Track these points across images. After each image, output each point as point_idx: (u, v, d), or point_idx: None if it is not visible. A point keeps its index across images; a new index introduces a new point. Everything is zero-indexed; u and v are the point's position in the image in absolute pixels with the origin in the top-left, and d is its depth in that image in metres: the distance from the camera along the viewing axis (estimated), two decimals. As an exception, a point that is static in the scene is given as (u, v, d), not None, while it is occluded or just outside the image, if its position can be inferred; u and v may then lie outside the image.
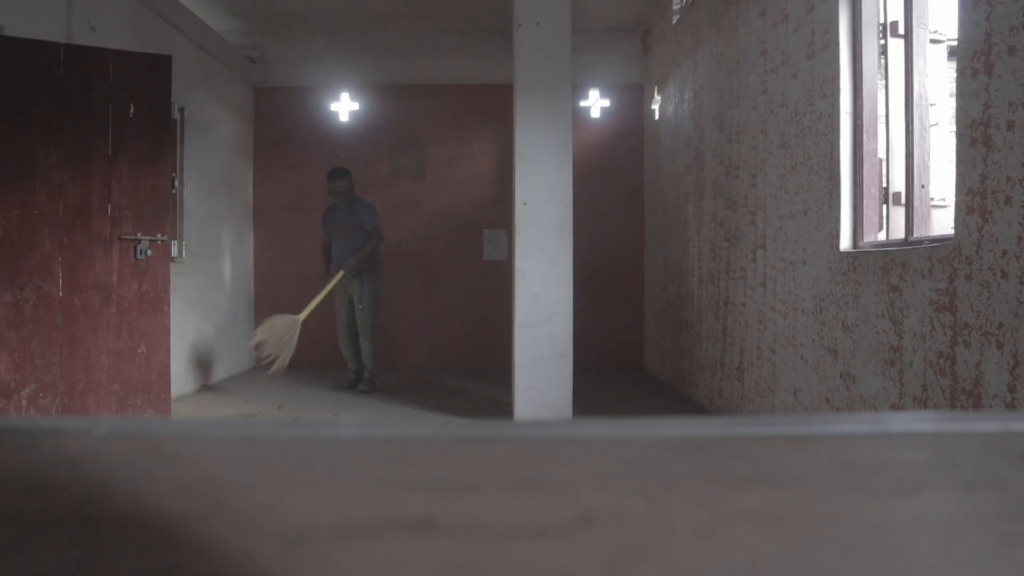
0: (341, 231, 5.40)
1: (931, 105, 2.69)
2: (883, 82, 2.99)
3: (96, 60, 3.88)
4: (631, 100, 7.03)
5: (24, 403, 3.64)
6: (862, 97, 3.00)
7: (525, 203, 4.36)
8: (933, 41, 2.76)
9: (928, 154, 2.67)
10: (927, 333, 2.39)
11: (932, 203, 2.72)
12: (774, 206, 3.71)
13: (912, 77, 2.67)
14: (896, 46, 2.86)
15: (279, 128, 7.03)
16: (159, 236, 4.08)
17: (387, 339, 7.03)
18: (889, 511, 0.33)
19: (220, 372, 6.16)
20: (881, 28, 2.98)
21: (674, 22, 5.87)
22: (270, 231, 7.06)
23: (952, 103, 2.52)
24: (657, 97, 6.38)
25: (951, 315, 2.26)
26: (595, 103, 6.95)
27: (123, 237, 3.97)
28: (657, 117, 6.42)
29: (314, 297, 5.29)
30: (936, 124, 2.73)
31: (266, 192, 7.05)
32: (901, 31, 2.78)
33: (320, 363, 6.94)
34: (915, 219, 2.67)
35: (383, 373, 6.65)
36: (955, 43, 2.31)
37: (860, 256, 2.87)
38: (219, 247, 6.17)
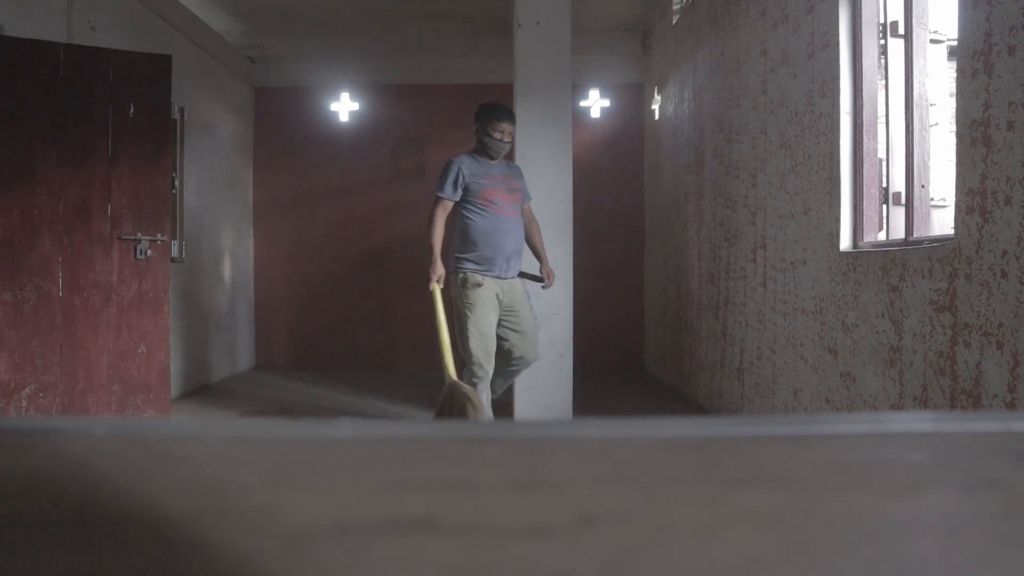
0: (506, 196, 3.63)
1: (931, 105, 2.69)
2: (883, 82, 2.99)
3: (96, 60, 3.88)
4: (631, 100, 7.03)
5: (24, 403, 3.64)
6: (862, 97, 3.00)
7: (525, 203, 4.35)
8: (933, 41, 2.76)
9: (928, 154, 2.67)
10: (927, 333, 2.39)
11: (932, 203, 2.72)
12: (774, 206, 3.71)
13: (912, 77, 2.67)
14: (896, 46, 2.86)
15: (279, 128, 7.03)
16: (159, 236, 4.08)
17: (386, 339, 7.03)
18: (889, 511, 0.32)
19: (220, 372, 6.16)
20: (881, 28, 2.98)
21: (674, 22, 5.87)
22: (270, 231, 7.07)
23: (952, 103, 2.52)
24: (657, 97, 6.38)
25: (951, 315, 2.26)
26: (595, 103, 6.95)
27: (123, 237, 3.97)
28: (657, 117, 6.42)
29: (439, 334, 3.52)
30: (936, 124, 2.72)
31: (266, 192, 7.05)
32: (901, 31, 2.78)
33: (323, 364, 6.95)
34: (915, 219, 2.67)
35: (388, 375, 6.65)
36: (955, 43, 2.31)
37: (860, 256, 2.87)
38: (219, 247, 6.16)
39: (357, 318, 7.00)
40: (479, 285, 3.54)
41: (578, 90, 6.72)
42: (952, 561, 0.31)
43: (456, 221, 3.64)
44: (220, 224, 6.16)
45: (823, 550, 0.31)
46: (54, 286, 3.75)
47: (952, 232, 2.33)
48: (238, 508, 0.32)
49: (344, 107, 6.95)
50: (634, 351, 6.99)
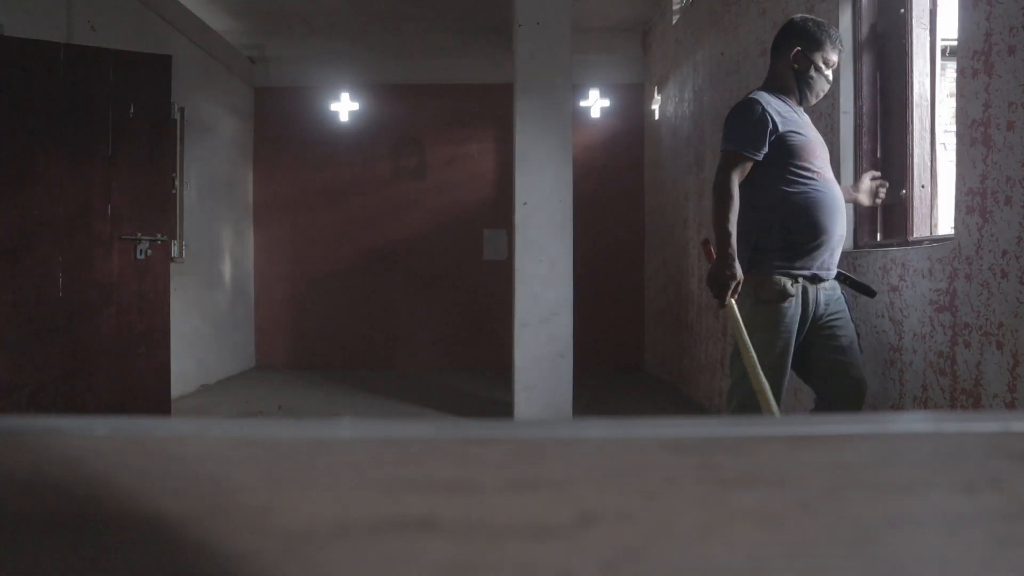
0: (823, 157, 2.43)
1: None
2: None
3: (96, 60, 3.88)
4: (631, 100, 7.03)
5: (24, 403, 3.64)
6: (862, 97, 3.00)
7: (525, 203, 4.35)
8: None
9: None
10: (927, 333, 2.39)
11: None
12: (774, 206, 3.70)
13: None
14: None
15: (279, 128, 7.04)
16: (159, 236, 4.08)
17: (386, 339, 7.04)
18: (889, 511, 0.32)
19: (220, 372, 6.16)
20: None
21: (674, 22, 5.87)
22: (270, 231, 7.07)
23: (952, 103, 2.52)
24: (657, 97, 6.38)
25: (951, 315, 2.26)
26: (595, 103, 6.95)
27: (123, 237, 3.97)
28: (657, 117, 6.42)
29: (749, 366, 2.28)
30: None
31: (266, 192, 7.05)
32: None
33: (323, 364, 6.95)
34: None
35: (388, 375, 6.65)
36: (954, 43, 2.31)
37: (860, 256, 2.87)
38: (219, 247, 6.17)
39: (357, 318, 7.00)
40: (788, 297, 2.34)
41: (578, 90, 6.72)
42: (952, 561, 0.31)
43: (753, 196, 2.39)
44: (220, 224, 6.16)
45: (823, 550, 0.31)
46: (54, 286, 3.75)
47: (952, 232, 2.33)
48: (238, 508, 0.32)
49: (344, 107, 6.95)
50: (634, 351, 6.99)
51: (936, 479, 0.34)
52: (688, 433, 0.34)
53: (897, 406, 2.56)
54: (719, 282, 2.32)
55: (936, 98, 2.67)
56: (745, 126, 2.35)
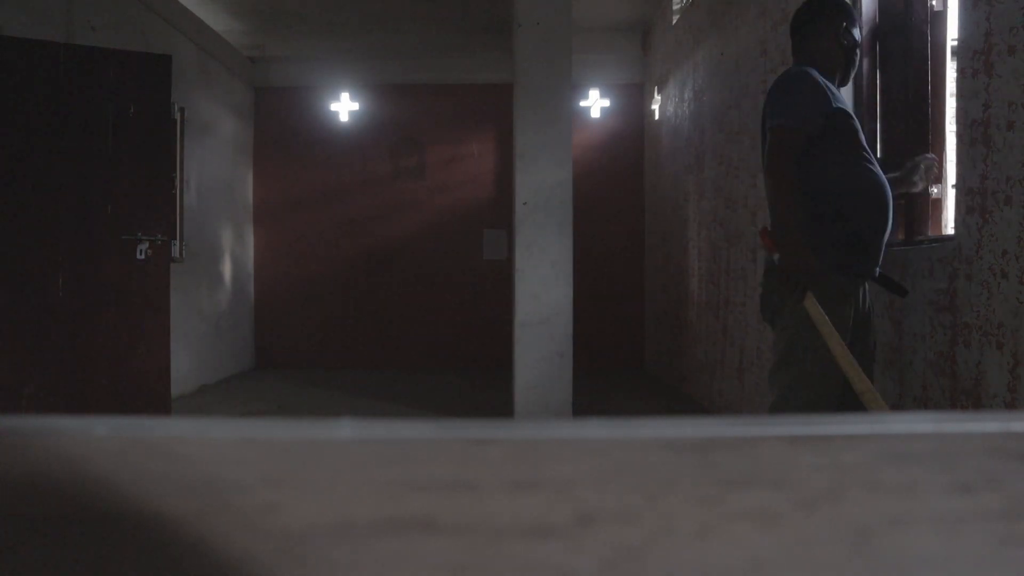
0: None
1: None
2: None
3: (96, 60, 3.88)
4: (631, 100, 7.03)
5: (24, 403, 3.64)
6: (863, 96, 3.00)
7: (525, 203, 4.35)
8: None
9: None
10: (927, 333, 2.39)
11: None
12: (774, 206, 3.70)
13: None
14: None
15: (279, 128, 7.03)
16: (159, 236, 4.08)
17: (386, 339, 7.03)
18: (889, 511, 0.32)
19: (220, 372, 6.16)
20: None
21: (674, 22, 5.87)
22: (270, 231, 7.07)
23: (952, 103, 2.52)
24: (657, 97, 6.38)
25: (951, 315, 2.26)
26: (595, 103, 6.95)
27: (123, 237, 3.97)
28: (657, 117, 6.41)
29: (840, 360, 1.90)
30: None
31: (266, 192, 7.05)
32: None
33: (323, 364, 6.94)
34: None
35: (388, 375, 6.65)
36: (955, 43, 2.31)
37: (860, 256, 2.86)
38: (219, 247, 6.16)
39: (357, 318, 7.00)
40: (847, 299, 2.09)
41: (578, 90, 6.72)
42: (952, 561, 0.31)
43: (804, 181, 2.10)
44: (220, 224, 6.16)
45: (823, 550, 0.31)
46: (54, 286, 3.75)
47: (952, 232, 2.33)
48: (238, 508, 0.32)
49: (344, 107, 6.95)
50: (634, 351, 6.99)
51: (936, 479, 0.34)
52: (688, 433, 0.34)
53: (897, 406, 2.56)
54: (796, 277, 2.01)
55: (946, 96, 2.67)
56: (798, 98, 2.07)
